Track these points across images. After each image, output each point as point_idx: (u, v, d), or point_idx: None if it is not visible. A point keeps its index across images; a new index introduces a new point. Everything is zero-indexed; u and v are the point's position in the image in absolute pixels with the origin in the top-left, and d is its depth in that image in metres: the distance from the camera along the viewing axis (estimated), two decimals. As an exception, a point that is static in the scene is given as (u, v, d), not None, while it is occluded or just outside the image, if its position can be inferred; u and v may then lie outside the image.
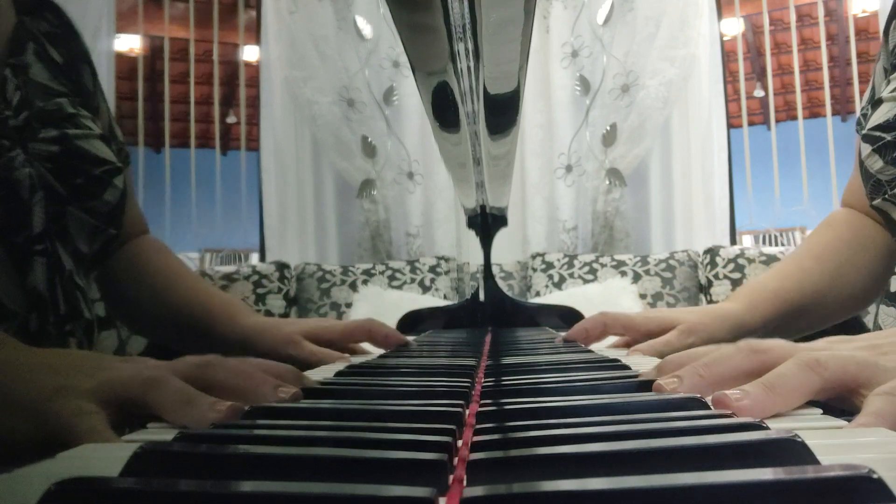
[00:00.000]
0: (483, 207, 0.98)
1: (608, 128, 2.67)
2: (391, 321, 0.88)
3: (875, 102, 0.69)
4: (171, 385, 0.34)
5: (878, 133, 0.66)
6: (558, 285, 2.43)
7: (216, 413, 0.32)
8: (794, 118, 3.24)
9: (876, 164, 0.66)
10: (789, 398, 0.32)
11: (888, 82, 0.69)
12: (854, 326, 0.86)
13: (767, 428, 0.24)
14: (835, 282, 0.77)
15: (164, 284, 0.77)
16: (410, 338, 0.78)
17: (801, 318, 0.76)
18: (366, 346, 0.79)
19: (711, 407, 0.31)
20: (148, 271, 0.78)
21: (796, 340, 0.40)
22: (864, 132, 0.69)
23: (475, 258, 1.04)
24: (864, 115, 0.73)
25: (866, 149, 0.67)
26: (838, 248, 0.78)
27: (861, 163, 0.69)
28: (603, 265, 2.42)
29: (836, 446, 0.25)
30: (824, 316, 0.79)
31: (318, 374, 0.56)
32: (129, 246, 0.78)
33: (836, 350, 0.36)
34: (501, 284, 1.05)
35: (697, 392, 0.34)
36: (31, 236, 0.57)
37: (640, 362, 0.61)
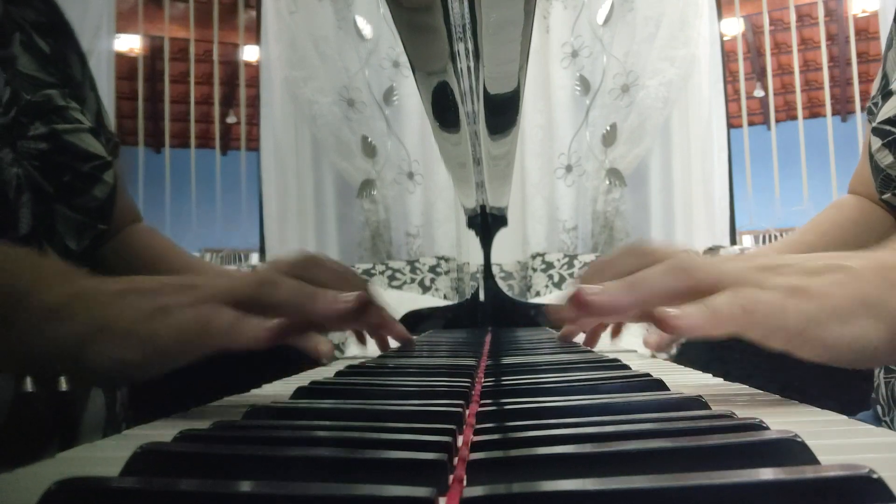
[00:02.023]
0: (483, 207, 0.98)
1: (608, 128, 2.67)
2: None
3: (886, 94, 0.67)
4: (222, 318, 0.38)
5: (888, 127, 0.65)
6: (558, 285, 2.43)
7: (266, 333, 0.37)
8: (794, 118, 3.24)
9: (886, 159, 0.65)
10: (651, 297, 0.37)
11: None
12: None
13: (767, 428, 0.24)
14: None
15: (155, 267, 0.76)
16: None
17: None
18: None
19: (707, 403, 0.31)
20: (136, 256, 0.77)
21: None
22: (874, 125, 0.67)
23: (475, 258, 1.04)
24: (876, 104, 0.71)
25: (876, 142, 0.66)
26: (845, 226, 0.75)
27: (871, 156, 0.67)
28: (603, 265, 2.42)
29: (835, 446, 0.25)
30: None
31: (318, 375, 0.56)
32: (120, 235, 0.77)
33: (768, 284, 0.37)
34: (501, 284, 1.05)
35: (620, 305, 0.38)
36: (17, 238, 0.56)
37: (654, 363, 0.61)
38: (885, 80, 0.72)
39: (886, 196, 0.67)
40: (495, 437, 0.25)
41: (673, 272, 0.39)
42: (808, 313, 0.36)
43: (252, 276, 0.41)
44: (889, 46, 0.73)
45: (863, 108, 3.43)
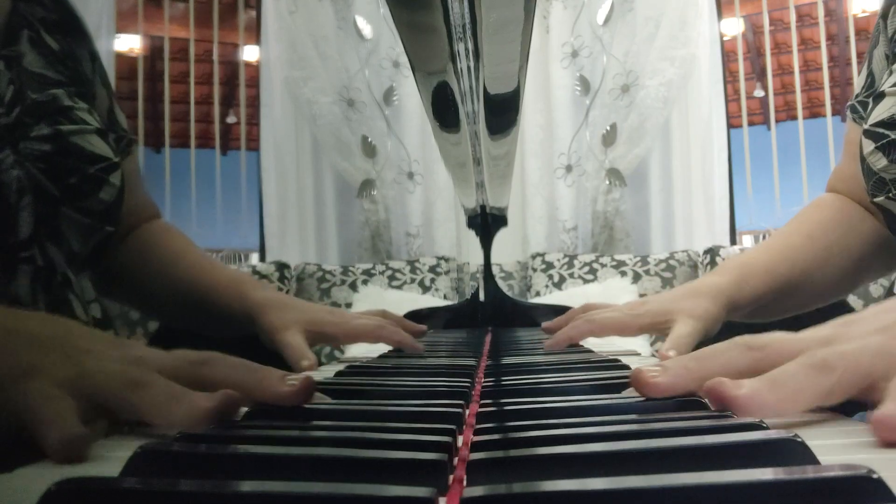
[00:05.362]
0: (483, 207, 0.97)
1: (608, 128, 2.67)
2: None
3: (877, 96, 0.67)
4: (156, 385, 0.32)
5: (881, 130, 0.64)
6: (558, 285, 2.43)
7: (208, 403, 0.30)
8: (794, 118, 3.24)
9: (879, 162, 0.64)
10: (796, 399, 0.30)
11: (890, 73, 0.67)
12: (839, 310, 0.85)
13: (767, 428, 0.24)
14: (823, 262, 0.74)
15: (170, 263, 0.76)
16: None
17: (789, 297, 0.73)
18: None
19: (708, 403, 0.31)
20: (154, 253, 0.77)
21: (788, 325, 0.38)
22: (865, 127, 0.67)
23: (475, 258, 1.04)
24: (863, 104, 0.70)
25: (868, 145, 0.65)
26: (829, 227, 0.76)
27: (862, 159, 0.66)
28: (603, 265, 2.42)
29: (836, 446, 0.25)
30: (812, 296, 0.76)
31: (318, 375, 0.56)
32: (138, 232, 0.77)
33: (844, 339, 0.33)
34: (501, 284, 1.05)
35: (681, 386, 0.32)
36: (17, 242, 0.55)
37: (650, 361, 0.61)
38: (872, 78, 0.72)
39: (880, 199, 0.66)
40: (495, 437, 0.25)
41: (736, 346, 0.35)
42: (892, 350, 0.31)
43: (192, 353, 0.37)
44: (875, 44, 0.72)
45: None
